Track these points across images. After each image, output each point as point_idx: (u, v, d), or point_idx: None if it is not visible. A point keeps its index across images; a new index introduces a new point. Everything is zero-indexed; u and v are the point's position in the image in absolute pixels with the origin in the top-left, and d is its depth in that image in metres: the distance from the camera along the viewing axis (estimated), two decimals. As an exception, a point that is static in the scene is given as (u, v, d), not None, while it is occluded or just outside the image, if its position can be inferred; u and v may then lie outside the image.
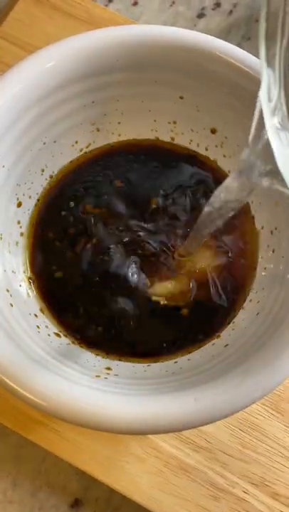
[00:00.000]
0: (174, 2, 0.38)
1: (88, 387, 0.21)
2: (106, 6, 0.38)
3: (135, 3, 0.38)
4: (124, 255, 0.28)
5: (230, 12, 0.38)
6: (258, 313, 0.26)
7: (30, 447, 0.31)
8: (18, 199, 0.27)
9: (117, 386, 0.23)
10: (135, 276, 0.28)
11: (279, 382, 0.20)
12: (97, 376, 0.24)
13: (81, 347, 0.27)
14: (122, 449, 0.28)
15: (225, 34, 0.37)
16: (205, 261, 0.28)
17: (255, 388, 0.20)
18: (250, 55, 0.24)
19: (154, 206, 0.29)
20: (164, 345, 0.27)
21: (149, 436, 0.29)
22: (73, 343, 0.27)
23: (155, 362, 0.26)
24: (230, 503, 0.28)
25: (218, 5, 0.38)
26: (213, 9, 0.38)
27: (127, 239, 0.28)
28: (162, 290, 0.28)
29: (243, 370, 0.21)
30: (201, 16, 0.38)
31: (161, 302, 0.27)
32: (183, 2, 0.38)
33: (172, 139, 0.29)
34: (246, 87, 0.25)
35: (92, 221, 0.29)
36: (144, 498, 0.28)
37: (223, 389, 0.20)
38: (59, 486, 0.31)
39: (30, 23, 0.34)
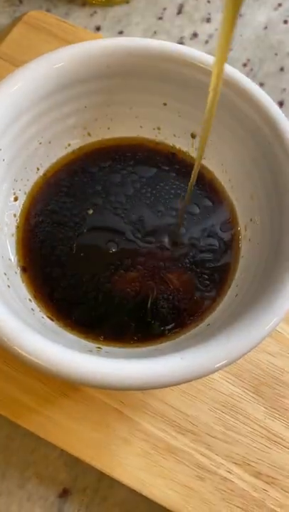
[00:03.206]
0: (155, 32, 0.42)
1: (81, 352, 0.22)
2: (95, 34, 0.42)
3: (120, 33, 0.42)
4: (111, 246, 0.30)
5: (206, 42, 0.42)
6: (236, 295, 0.28)
7: (19, 439, 0.31)
8: (14, 193, 0.30)
9: (107, 357, 0.25)
10: (125, 266, 0.30)
11: (254, 344, 0.22)
12: (89, 351, 0.26)
13: (72, 332, 0.28)
14: (110, 433, 0.29)
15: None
16: (194, 256, 0.30)
17: (236, 348, 0.22)
18: (228, 65, 0.28)
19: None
20: (150, 331, 0.28)
21: (137, 419, 0.30)
22: (65, 327, 0.28)
23: (142, 347, 0.28)
24: (215, 482, 0.29)
25: (195, 35, 0.42)
26: (191, 39, 0.42)
27: (113, 231, 0.30)
28: (151, 281, 0.30)
29: (225, 335, 0.23)
30: (180, 44, 0.42)
31: (151, 294, 0.29)
32: (163, 32, 0.42)
33: (156, 143, 0.32)
34: (224, 93, 0.28)
35: (81, 217, 0.31)
36: (132, 480, 0.29)
37: (207, 349, 0.22)
38: (47, 477, 0.31)
39: (27, 45, 0.38)
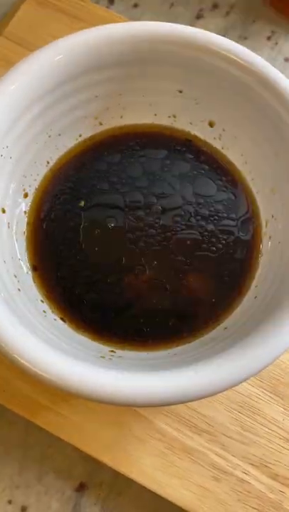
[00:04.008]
0: (172, 4, 0.39)
1: (93, 363, 0.22)
2: (107, 7, 0.39)
3: (136, 5, 0.39)
4: (126, 244, 0.29)
5: (227, 13, 0.39)
6: (256, 297, 0.26)
7: (36, 434, 0.32)
8: (24, 190, 0.28)
9: (120, 365, 0.24)
10: (138, 263, 0.29)
11: (275, 356, 0.21)
12: (102, 357, 0.25)
13: (84, 334, 0.28)
14: (125, 433, 0.29)
15: (222, 35, 0.38)
16: (211, 254, 0.29)
17: (253, 361, 0.21)
18: (248, 50, 0.25)
19: (154, 201, 0.30)
20: (165, 333, 0.27)
21: (152, 419, 0.29)
22: (77, 329, 0.28)
23: (156, 350, 0.27)
24: (231, 483, 0.28)
25: (215, 6, 0.39)
26: (211, 10, 0.39)
27: (128, 228, 0.29)
28: (166, 281, 0.28)
29: (241, 346, 0.22)
30: (199, 16, 0.39)
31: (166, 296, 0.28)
32: (182, 3, 0.39)
33: (172, 132, 0.31)
34: (244, 81, 0.26)
35: (94, 213, 0.30)
36: (147, 479, 0.28)
37: (222, 362, 0.21)
38: (64, 471, 0.31)
39: (35, 24, 0.35)
